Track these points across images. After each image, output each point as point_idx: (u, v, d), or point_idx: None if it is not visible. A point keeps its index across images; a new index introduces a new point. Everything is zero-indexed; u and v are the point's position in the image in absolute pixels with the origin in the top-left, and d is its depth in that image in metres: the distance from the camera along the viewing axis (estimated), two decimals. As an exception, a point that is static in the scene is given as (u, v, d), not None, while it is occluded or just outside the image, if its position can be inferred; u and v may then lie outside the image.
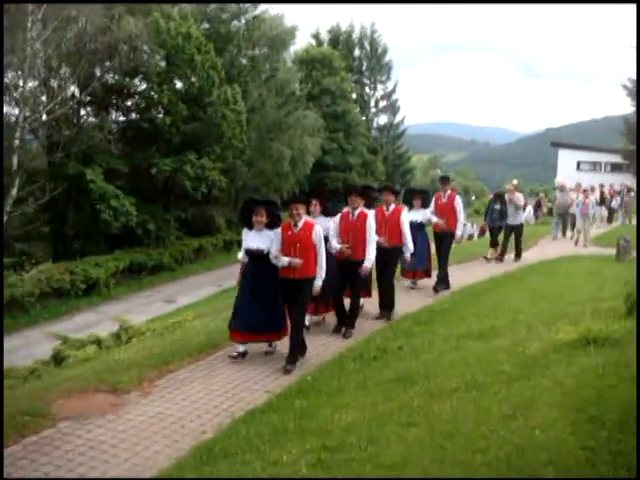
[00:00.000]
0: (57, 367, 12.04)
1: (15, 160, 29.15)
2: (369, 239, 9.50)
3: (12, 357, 16.16)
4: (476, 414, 5.25)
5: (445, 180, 14.06)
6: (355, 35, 67.01)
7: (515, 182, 18.72)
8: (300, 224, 8.29)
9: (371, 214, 9.77)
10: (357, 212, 9.61)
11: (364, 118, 63.92)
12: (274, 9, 45.80)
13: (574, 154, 52.55)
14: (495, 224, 17.28)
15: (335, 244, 9.52)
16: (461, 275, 14.18)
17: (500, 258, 17.16)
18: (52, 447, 5.85)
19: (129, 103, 37.67)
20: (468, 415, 5.26)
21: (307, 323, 9.39)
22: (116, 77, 34.86)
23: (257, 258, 8.46)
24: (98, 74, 33.94)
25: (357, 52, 67.32)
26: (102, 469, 5.48)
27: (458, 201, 13.45)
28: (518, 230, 17.46)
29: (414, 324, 9.91)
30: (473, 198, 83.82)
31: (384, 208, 10.80)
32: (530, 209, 35.36)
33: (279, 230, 8.40)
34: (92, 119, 36.16)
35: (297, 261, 8.12)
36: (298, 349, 8.27)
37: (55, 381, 8.13)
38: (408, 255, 10.81)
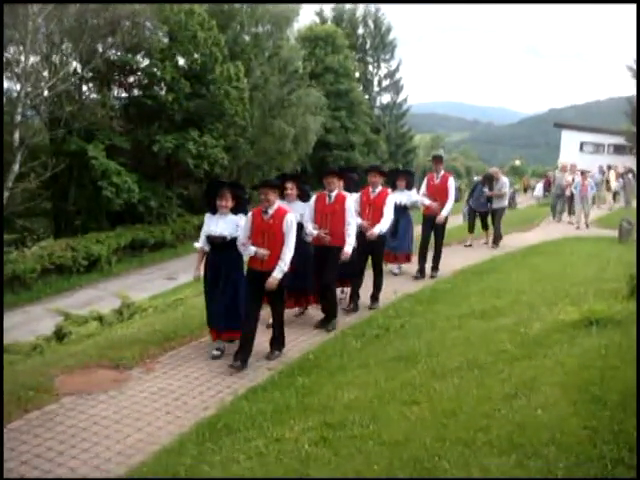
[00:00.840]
0: (59, 343, 12.05)
1: (17, 136, 29.08)
2: (348, 223, 8.83)
3: (14, 333, 16.20)
4: (478, 393, 5.26)
5: (438, 159, 13.14)
6: (359, 13, 66.58)
7: (495, 168, 17.95)
8: (271, 211, 7.47)
9: (351, 197, 9.15)
10: (334, 194, 8.92)
11: (367, 97, 63.69)
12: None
13: (577, 135, 52.49)
14: (481, 208, 16.41)
15: (311, 229, 8.85)
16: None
17: (496, 243, 16.38)
18: (55, 422, 5.89)
19: (131, 79, 37.43)
20: (470, 394, 5.28)
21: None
22: (118, 53, 34.61)
23: (219, 246, 7.73)
24: (100, 50, 33.72)
25: (361, 30, 66.87)
26: (105, 444, 5.52)
27: (451, 182, 12.52)
28: (499, 214, 16.35)
29: (416, 303, 9.94)
30: (475, 178, 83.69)
31: (370, 190, 9.97)
32: (540, 187, 35.35)
33: (249, 216, 7.61)
34: (94, 95, 35.96)
35: (263, 252, 7.38)
36: (278, 341, 7.83)
37: (57, 357, 8.15)
38: (376, 232, 9.63)
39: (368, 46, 66.90)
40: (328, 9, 65.57)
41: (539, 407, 4.66)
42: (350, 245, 8.80)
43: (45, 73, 31.84)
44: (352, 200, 9.12)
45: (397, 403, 5.38)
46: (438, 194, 12.36)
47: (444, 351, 6.76)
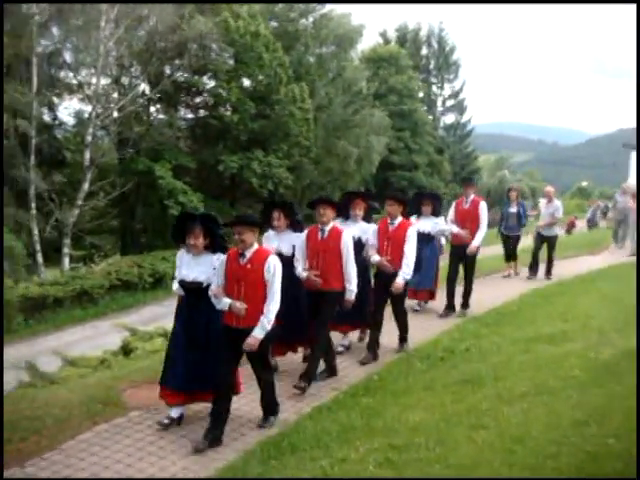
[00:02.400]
0: (126, 358, 12.24)
1: (87, 155, 29.90)
2: (348, 265, 7.36)
3: (82, 346, 16.54)
4: (547, 419, 5.16)
5: (468, 182, 11.61)
6: (423, 33, 66.64)
7: (550, 188, 15.39)
8: (248, 254, 6.03)
9: (347, 232, 7.58)
10: (327, 228, 7.41)
11: (431, 117, 63.49)
12: (341, 8, 45.81)
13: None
14: (511, 232, 14.65)
15: (300, 270, 7.46)
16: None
17: (533, 271, 14.67)
18: (123, 435, 5.99)
19: (198, 100, 38.17)
20: (539, 420, 5.18)
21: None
22: (185, 75, 35.31)
23: (195, 293, 6.32)
24: (168, 72, 34.52)
25: (424, 50, 66.93)
26: (171, 459, 5.59)
27: (483, 208, 10.90)
28: (551, 242, 14.59)
29: (481, 326, 9.81)
30: (540, 200, 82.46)
31: (388, 221, 8.45)
32: (591, 211, 34.46)
33: (223, 258, 6.17)
34: (162, 116, 36.80)
35: (239, 306, 5.92)
36: (270, 407, 6.41)
37: (125, 371, 8.28)
38: (401, 282, 8.23)
39: (432, 66, 66.87)
40: (392, 29, 65.78)
41: (611, 436, 4.54)
42: (353, 292, 7.42)
43: (115, 95, 32.77)
44: (350, 235, 7.60)
45: (464, 427, 5.31)
46: (468, 221, 10.89)
47: (511, 375, 6.66)
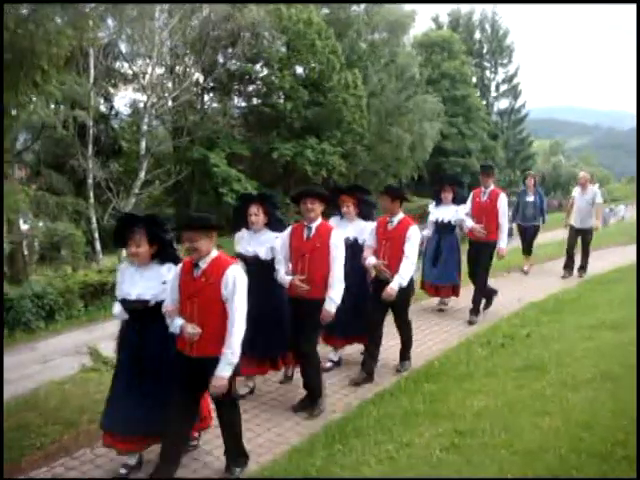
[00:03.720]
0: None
1: (143, 144, 30.32)
2: (333, 268, 6.13)
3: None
4: (613, 406, 5.11)
5: (487, 171, 10.12)
6: (475, 17, 65.87)
7: (584, 174, 13.63)
8: (203, 265, 4.79)
9: (338, 231, 6.38)
10: (314, 226, 6.22)
11: (484, 102, 62.78)
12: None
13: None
14: (528, 223, 13.29)
15: (283, 274, 6.27)
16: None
17: (569, 270, 13.07)
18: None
19: (251, 89, 38.43)
20: (605, 407, 5.13)
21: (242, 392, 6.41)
22: (239, 63, 35.58)
23: (140, 314, 5.05)
24: (221, 61, 34.84)
25: (477, 35, 66.14)
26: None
27: (502, 201, 9.64)
28: (586, 236, 12.91)
29: (541, 313, 9.71)
30: (597, 186, 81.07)
31: (387, 219, 7.16)
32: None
33: (176, 270, 5.00)
34: (215, 105, 37.15)
35: (190, 331, 4.68)
36: (232, 456, 5.16)
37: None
38: (395, 288, 6.83)
39: (485, 51, 66.06)
40: (444, 14, 65.23)
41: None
42: (333, 303, 6.09)
43: (169, 84, 33.09)
44: (341, 235, 6.39)
45: (528, 413, 5.29)
46: (485, 214, 9.66)
47: (574, 362, 6.59)
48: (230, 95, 38.00)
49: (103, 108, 33.86)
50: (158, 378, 4.97)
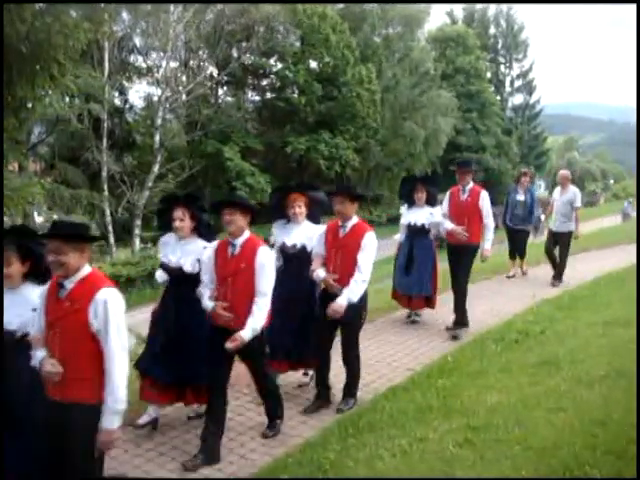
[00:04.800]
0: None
1: (157, 138, 30.45)
2: (255, 291, 5.11)
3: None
4: (628, 403, 5.09)
5: (464, 167, 9.05)
6: (490, 13, 65.57)
7: (565, 172, 12.27)
8: (70, 284, 3.84)
9: (265, 250, 5.18)
10: (240, 242, 5.16)
11: (499, 98, 62.52)
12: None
13: None
14: (518, 224, 12.11)
15: (204, 300, 5.25)
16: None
17: (558, 278, 11.71)
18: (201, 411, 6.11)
19: (265, 83, 38.53)
20: (619, 403, 5.12)
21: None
22: (253, 57, 35.65)
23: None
24: (235, 55, 34.88)
25: (492, 30, 65.76)
26: (249, 435, 5.67)
27: (484, 199, 8.68)
28: (564, 240, 11.67)
29: (555, 309, 9.67)
30: (611, 182, 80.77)
31: (338, 224, 6.08)
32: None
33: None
34: (229, 99, 37.25)
35: (51, 369, 3.75)
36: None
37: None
38: (343, 304, 5.78)
39: (500, 46, 65.71)
40: (458, 9, 64.97)
41: (695, 420, 4.47)
42: (249, 331, 5.02)
43: (183, 78, 33.20)
44: (269, 254, 5.28)
45: (542, 409, 5.28)
46: (467, 215, 8.65)
47: (589, 359, 6.57)
48: (244, 89, 38.10)
49: (117, 101, 34.02)
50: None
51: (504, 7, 65.16)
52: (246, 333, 4.98)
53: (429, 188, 8.84)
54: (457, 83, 52.53)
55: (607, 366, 6.14)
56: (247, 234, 5.19)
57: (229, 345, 4.94)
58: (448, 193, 8.99)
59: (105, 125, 28.83)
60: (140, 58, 33.72)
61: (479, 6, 65.20)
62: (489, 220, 8.62)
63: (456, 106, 48.56)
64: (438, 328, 8.92)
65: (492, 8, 65.34)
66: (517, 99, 66.84)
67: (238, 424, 5.89)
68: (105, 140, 28.85)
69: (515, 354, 7.35)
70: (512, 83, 66.52)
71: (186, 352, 5.46)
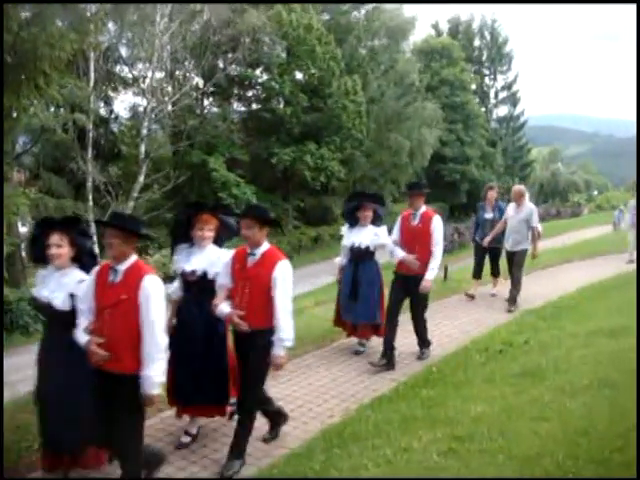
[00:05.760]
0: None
1: (142, 148, 30.37)
2: (144, 335, 4.44)
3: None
4: (611, 412, 5.13)
5: (416, 190, 8.16)
6: (475, 25, 66.05)
7: (519, 187, 11.43)
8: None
9: (152, 279, 4.48)
10: (123, 268, 4.48)
11: (483, 109, 62.97)
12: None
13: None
14: (490, 243, 11.29)
15: (78, 334, 4.56)
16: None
17: (512, 300, 10.91)
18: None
19: (250, 94, 38.58)
20: (603, 413, 5.16)
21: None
22: (239, 68, 35.72)
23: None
24: (221, 65, 34.95)
25: (477, 42, 66.36)
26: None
27: (437, 225, 7.89)
28: (518, 259, 10.94)
29: (539, 319, 9.77)
30: (595, 193, 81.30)
31: (247, 252, 5.33)
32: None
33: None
34: (215, 109, 37.28)
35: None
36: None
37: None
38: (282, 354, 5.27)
39: (484, 58, 66.26)
40: (443, 21, 65.48)
41: (678, 429, 4.51)
42: (149, 382, 4.37)
43: (169, 88, 33.18)
44: (157, 284, 4.50)
45: (526, 419, 5.31)
46: (417, 242, 7.90)
47: (572, 368, 6.62)
48: (230, 100, 38.15)
49: (103, 112, 33.93)
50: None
51: (488, 20, 65.77)
52: (149, 387, 4.39)
53: (376, 206, 8.24)
54: (442, 95, 52.85)
55: (590, 376, 6.18)
56: (134, 258, 4.55)
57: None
58: (399, 218, 8.27)
59: (90, 135, 28.70)
60: (126, 68, 33.70)
61: (464, 18, 65.79)
62: (437, 249, 7.82)
63: (441, 118, 48.80)
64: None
65: (477, 20, 65.97)
66: (501, 111, 67.57)
67: (222, 435, 5.90)
68: (90, 150, 28.72)
69: (499, 364, 7.40)
70: (496, 95, 67.10)
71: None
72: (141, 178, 30.19)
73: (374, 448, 5.17)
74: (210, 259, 5.61)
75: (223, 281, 5.41)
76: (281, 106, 36.03)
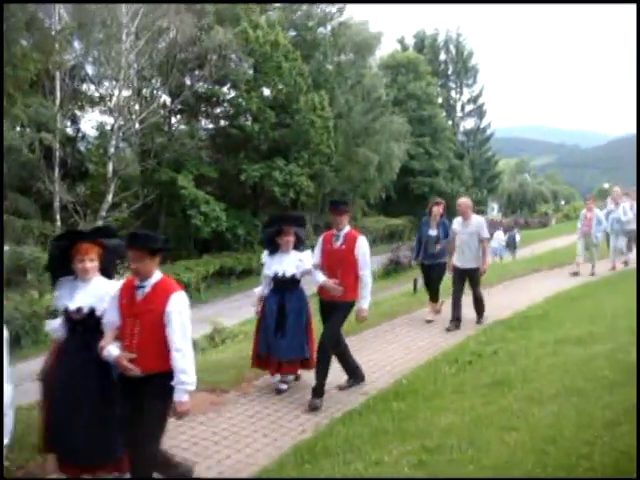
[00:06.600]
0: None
1: (110, 167, 30.29)
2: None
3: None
4: (578, 420, 5.18)
5: (338, 207, 7.32)
6: (440, 39, 66.66)
7: (465, 200, 10.67)
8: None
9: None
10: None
11: (450, 122, 63.50)
12: (359, 15, 46.11)
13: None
14: (433, 260, 10.65)
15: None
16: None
17: (455, 323, 10.20)
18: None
19: (218, 110, 38.55)
20: (570, 420, 5.21)
21: None
22: (206, 85, 35.68)
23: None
24: (188, 83, 34.93)
25: (443, 56, 66.94)
26: (205, 464, 5.64)
27: (362, 246, 7.12)
28: (473, 278, 10.33)
29: (507, 329, 9.82)
30: (562, 203, 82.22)
31: (136, 285, 4.68)
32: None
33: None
34: (183, 127, 37.16)
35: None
36: None
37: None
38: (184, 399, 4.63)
39: (450, 72, 66.85)
40: (409, 36, 66.03)
41: (643, 434, 4.56)
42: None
43: (136, 107, 33.13)
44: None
45: (495, 428, 5.35)
46: (339, 265, 7.12)
47: (540, 377, 6.68)
48: (197, 117, 38.09)
49: (70, 131, 33.83)
50: None
51: (453, 34, 66.41)
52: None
53: (297, 230, 7.48)
54: (409, 109, 53.19)
55: (558, 384, 6.25)
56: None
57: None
58: (320, 239, 7.44)
59: (57, 154, 28.60)
60: (92, 87, 33.59)
61: (429, 32, 66.35)
62: (365, 273, 7.08)
63: (408, 131, 49.12)
64: (393, 352, 9.00)
65: (442, 34, 66.57)
66: (468, 123, 68.12)
67: (193, 455, 5.86)
68: (57, 170, 28.60)
69: (468, 375, 7.44)
70: (463, 108, 67.68)
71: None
72: (109, 197, 30.06)
73: (345, 463, 5.17)
74: (97, 294, 4.92)
75: (110, 318, 4.77)
76: (249, 122, 35.99)
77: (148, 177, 33.87)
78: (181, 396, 4.61)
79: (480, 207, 67.29)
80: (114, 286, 4.89)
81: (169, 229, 35.14)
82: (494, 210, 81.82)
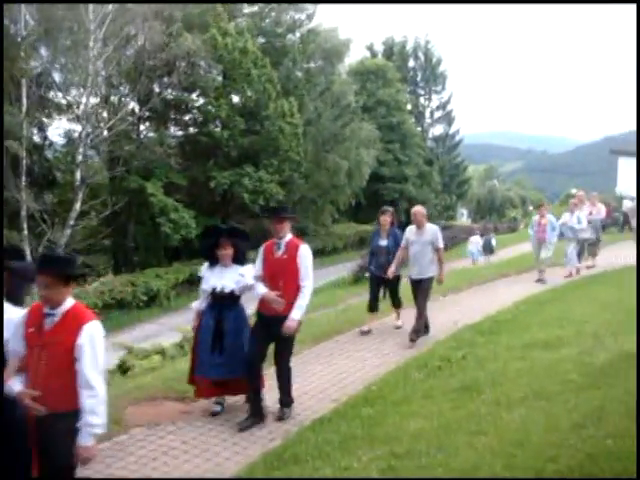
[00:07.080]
0: (123, 376, 12.25)
1: (78, 175, 29.96)
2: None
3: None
4: (546, 423, 5.24)
5: (280, 215, 6.99)
6: (409, 46, 67.00)
7: (419, 208, 10.28)
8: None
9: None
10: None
11: (419, 129, 63.76)
12: (328, 22, 46.23)
13: (635, 162, 51.44)
14: (382, 273, 10.23)
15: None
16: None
17: (417, 332, 9.69)
18: (126, 452, 6.01)
19: (187, 118, 38.37)
20: (538, 424, 5.26)
21: None
22: (174, 92, 35.51)
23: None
24: (157, 90, 34.66)
25: (411, 63, 67.26)
26: (175, 474, 5.62)
27: (304, 255, 6.83)
28: (424, 287, 9.93)
29: (477, 334, 9.89)
30: (531, 208, 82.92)
31: (44, 312, 4.27)
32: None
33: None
34: (151, 134, 36.90)
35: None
36: None
37: (124, 389, 8.29)
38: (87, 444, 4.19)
39: (419, 78, 67.18)
40: (378, 43, 66.31)
41: (609, 437, 4.62)
42: None
43: (104, 114, 32.88)
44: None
45: (463, 433, 5.39)
46: (281, 276, 6.80)
47: (508, 382, 6.74)
48: (166, 124, 37.87)
49: (36, 138, 33.39)
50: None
51: (422, 41, 66.81)
52: None
53: (237, 242, 7.06)
54: (378, 115, 53.33)
55: (526, 388, 6.31)
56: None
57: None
58: (261, 249, 7.07)
59: (24, 162, 28.24)
60: (60, 94, 33.18)
61: (398, 39, 66.67)
62: (306, 283, 6.76)
63: (378, 138, 49.25)
64: (362, 358, 9.01)
65: (411, 41, 66.93)
66: (437, 130, 68.54)
67: (163, 464, 5.82)
68: (24, 178, 28.24)
69: (438, 380, 7.48)
70: (432, 114, 68.06)
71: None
72: (77, 205, 29.75)
73: (315, 469, 5.18)
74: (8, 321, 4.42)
75: (14, 347, 4.30)
76: (218, 129, 35.85)
77: (117, 185, 33.61)
78: (87, 440, 4.16)
79: (449, 213, 67.84)
80: (18, 313, 4.41)
81: (139, 237, 34.91)
82: (464, 216, 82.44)
